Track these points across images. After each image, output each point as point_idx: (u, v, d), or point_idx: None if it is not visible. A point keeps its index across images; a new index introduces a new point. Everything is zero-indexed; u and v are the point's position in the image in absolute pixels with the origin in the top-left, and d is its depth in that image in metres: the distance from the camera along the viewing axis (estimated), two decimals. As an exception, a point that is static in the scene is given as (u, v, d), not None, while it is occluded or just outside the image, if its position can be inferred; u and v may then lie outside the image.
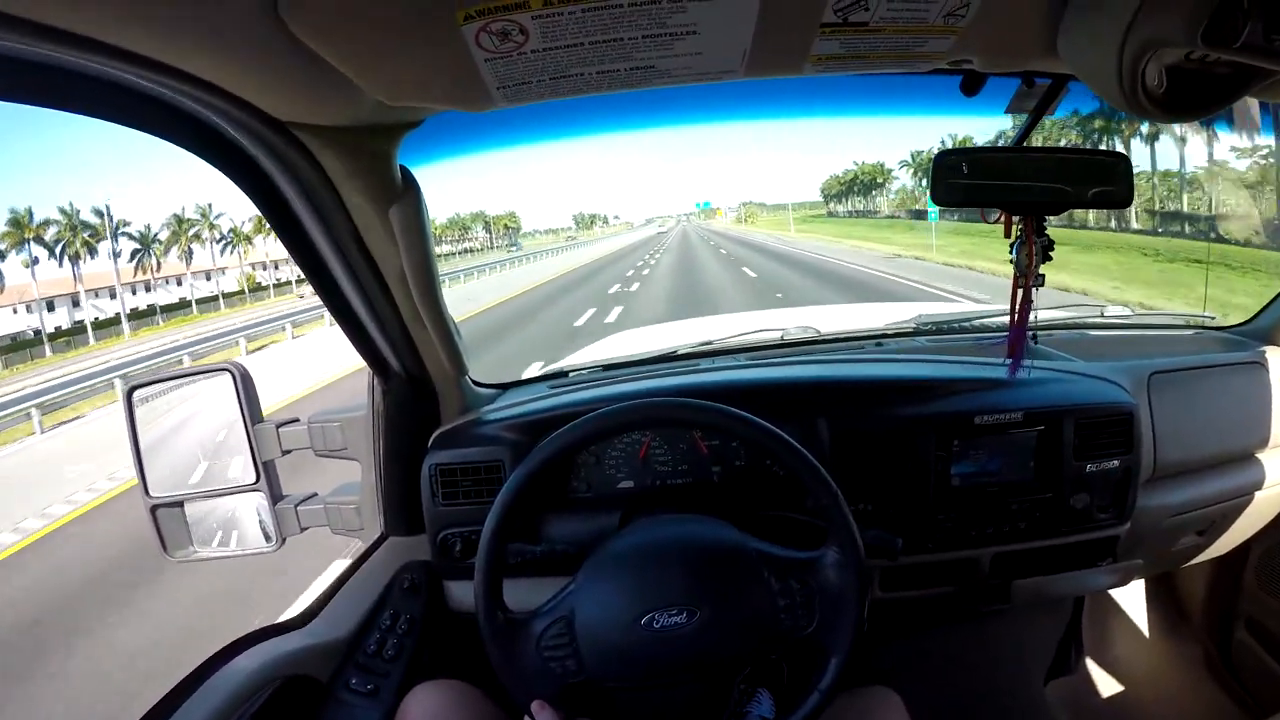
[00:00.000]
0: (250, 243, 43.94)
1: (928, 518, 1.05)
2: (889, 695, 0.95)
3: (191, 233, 41.61)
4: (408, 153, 0.81)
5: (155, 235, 40.64)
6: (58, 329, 33.28)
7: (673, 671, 0.74)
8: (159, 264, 40.38)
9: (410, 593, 1.04)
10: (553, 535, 1.00)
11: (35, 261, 33.48)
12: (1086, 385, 1.11)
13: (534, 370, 1.47)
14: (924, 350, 1.26)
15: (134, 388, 1.04)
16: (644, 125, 1.10)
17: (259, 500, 1.05)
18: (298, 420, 1.05)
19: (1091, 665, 1.59)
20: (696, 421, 0.83)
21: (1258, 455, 1.23)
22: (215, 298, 41.41)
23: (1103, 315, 1.53)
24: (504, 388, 1.25)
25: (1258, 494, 1.23)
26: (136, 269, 39.08)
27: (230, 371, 1.01)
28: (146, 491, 1.04)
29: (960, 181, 0.88)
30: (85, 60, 0.48)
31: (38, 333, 31.82)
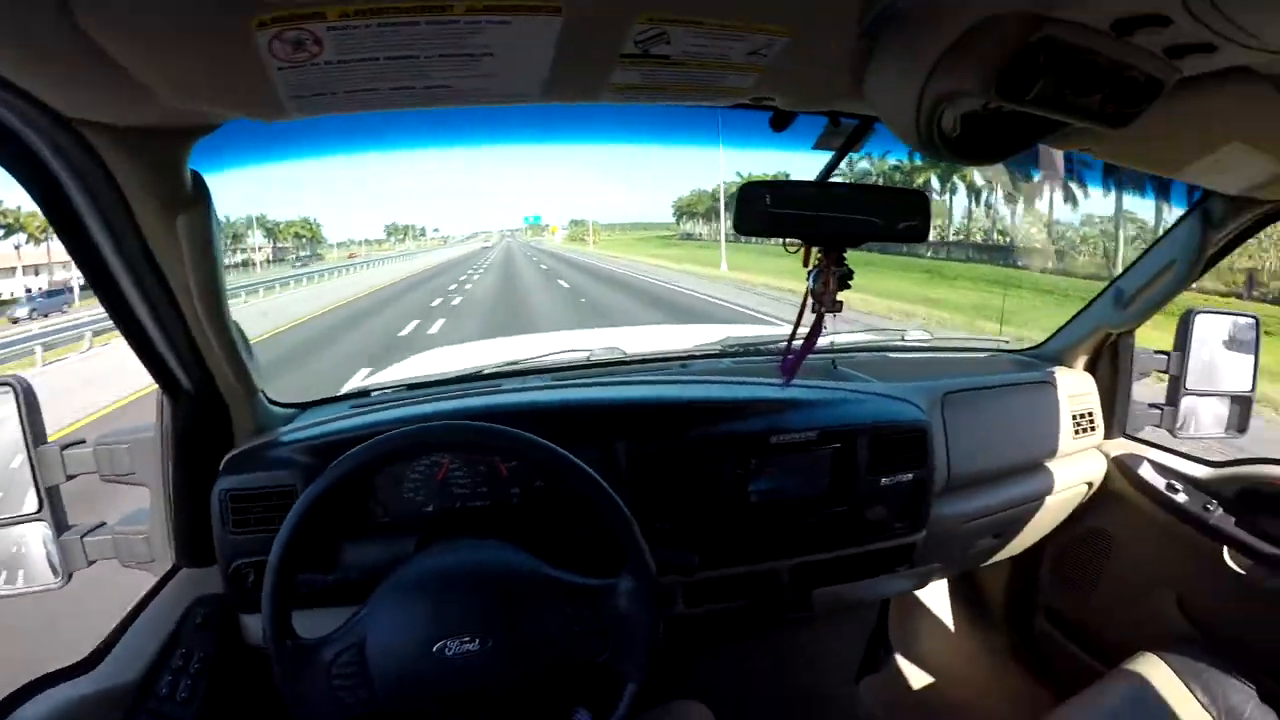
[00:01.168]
0: None
1: (727, 534, 1.09)
2: (699, 709, 0.98)
3: None
4: (202, 159, 0.77)
5: None
6: None
7: (465, 701, 0.73)
8: None
9: (203, 629, 0.97)
10: (348, 562, 0.95)
11: None
12: (881, 404, 1.18)
13: (353, 384, 1.43)
14: (728, 372, 1.30)
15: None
16: (463, 141, 1.07)
17: (43, 531, 0.95)
18: (84, 442, 0.96)
19: (901, 661, 1.70)
20: (485, 445, 0.82)
21: (1047, 464, 1.36)
22: None
23: (903, 339, 1.64)
24: (303, 407, 1.19)
25: (1048, 498, 1.36)
26: None
27: (12, 386, 0.91)
28: None
29: (764, 211, 0.90)
30: None
31: None
